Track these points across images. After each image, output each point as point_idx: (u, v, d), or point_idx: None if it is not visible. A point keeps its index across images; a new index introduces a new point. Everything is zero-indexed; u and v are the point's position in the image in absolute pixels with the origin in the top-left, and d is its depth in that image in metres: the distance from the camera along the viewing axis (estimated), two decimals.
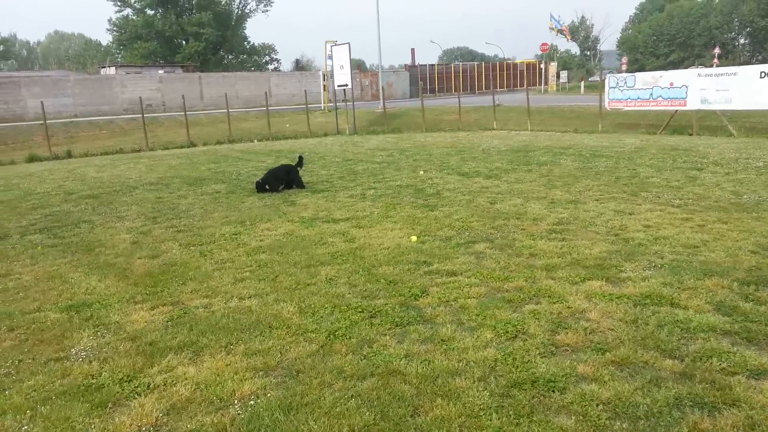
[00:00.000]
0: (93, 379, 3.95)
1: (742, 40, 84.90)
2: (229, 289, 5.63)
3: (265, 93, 31.90)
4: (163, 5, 61.26)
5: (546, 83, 52.45)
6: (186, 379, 3.88)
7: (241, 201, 10.17)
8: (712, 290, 4.95)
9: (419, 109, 27.40)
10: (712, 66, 37.54)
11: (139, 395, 3.70)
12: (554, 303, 4.84)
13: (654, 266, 5.65)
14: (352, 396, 3.56)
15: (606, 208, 8.23)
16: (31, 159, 20.60)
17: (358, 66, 59.92)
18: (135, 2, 61.70)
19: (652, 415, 3.21)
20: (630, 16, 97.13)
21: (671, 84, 19.37)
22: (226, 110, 26.70)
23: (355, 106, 27.30)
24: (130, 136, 25.90)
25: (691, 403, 3.31)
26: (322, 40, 58.79)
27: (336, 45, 27.49)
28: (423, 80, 49.32)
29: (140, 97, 27.30)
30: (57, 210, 10.21)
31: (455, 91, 49.25)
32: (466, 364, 3.88)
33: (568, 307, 4.74)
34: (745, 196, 8.65)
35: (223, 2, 65.45)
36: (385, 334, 4.43)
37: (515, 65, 65.30)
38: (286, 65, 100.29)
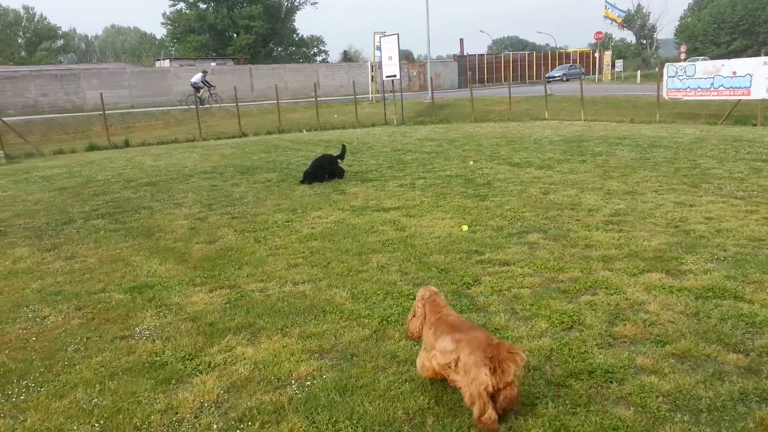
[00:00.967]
0: (157, 356, 4.12)
1: None
2: (283, 274, 5.75)
3: (314, 84, 32.19)
4: None
5: (600, 72, 50.98)
6: (245, 358, 4.00)
7: (292, 189, 10.34)
8: None
9: (468, 99, 27.12)
10: None
11: (201, 373, 3.84)
12: (611, 294, 4.75)
13: (716, 259, 5.45)
14: (406, 380, 3.59)
15: (665, 200, 7.98)
16: (91, 148, 21.45)
17: (405, 57, 59.69)
18: None
19: (715, 409, 3.12)
20: (689, 3, 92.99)
21: (734, 73, 18.51)
22: (275, 101, 27.11)
23: (403, 96, 27.24)
24: (184, 126, 26.60)
25: (757, 399, 3.20)
26: (369, 31, 58.77)
27: (384, 36, 27.45)
28: (472, 70, 48.74)
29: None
30: (117, 196, 10.63)
31: (505, 81, 48.49)
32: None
33: (626, 299, 4.63)
34: None
35: None
36: None
37: (567, 54, 63.72)
38: (334, 57, 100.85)
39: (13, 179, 13.82)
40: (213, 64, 47.21)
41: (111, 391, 3.67)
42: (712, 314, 4.27)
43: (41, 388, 3.77)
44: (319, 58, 74.16)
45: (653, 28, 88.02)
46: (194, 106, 25.81)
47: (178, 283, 5.68)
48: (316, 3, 71.72)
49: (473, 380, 2.98)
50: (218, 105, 30.94)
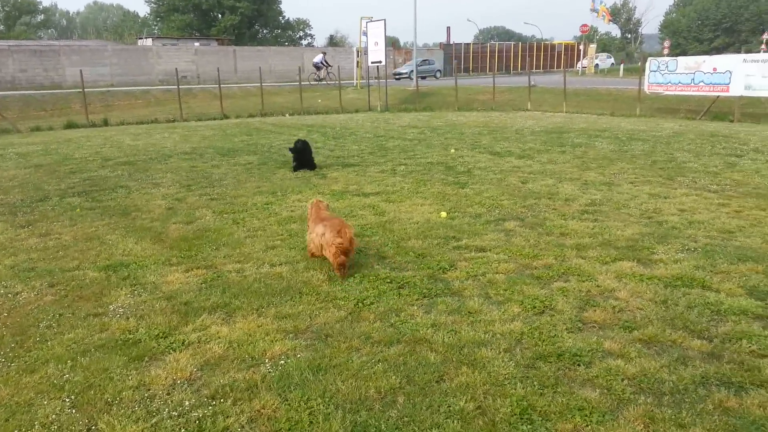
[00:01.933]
0: (130, 334, 4.10)
1: None
2: (260, 256, 5.75)
3: (299, 68, 31.94)
4: None
5: (584, 65, 51.27)
6: (219, 337, 4.01)
7: (272, 173, 10.29)
8: (745, 275, 4.88)
9: (452, 87, 27.14)
10: (759, 52, 36.18)
11: (174, 351, 3.84)
12: (583, 281, 4.83)
13: (687, 249, 5.57)
14: (379, 360, 3.64)
15: (640, 191, 8.11)
16: (69, 125, 21.07)
17: (392, 43, 59.42)
18: None
19: (677, 392, 3.22)
20: None
21: (714, 69, 18.78)
22: (259, 84, 26.87)
23: (388, 83, 27.16)
24: (165, 106, 26.27)
25: (717, 383, 3.30)
26: (356, 16, 58.29)
27: (371, 21, 27.27)
28: (457, 59, 48.67)
29: (176, 69, 27.60)
30: (94, 175, 10.48)
31: (490, 70, 48.54)
32: (492, 336, 3.92)
33: (598, 286, 4.73)
34: None
35: None
36: (413, 305, 4.49)
37: (553, 46, 63.93)
38: (320, 41, 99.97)
39: None
40: (197, 44, 46.51)
41: (83, 367, 3.65)
42: (680, 302, 4.38)
43: (12, 363, 3.74)
44: (304, 42, 73.55)
45: (638, 23, 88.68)
46: (315, 83, 27.32)
47: (153, 262, 5.65)
48: None
49: (331, 242, 5.04)
50: (334, 83, 32.72)
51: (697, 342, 3.76)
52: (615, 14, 78.80)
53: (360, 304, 4.51)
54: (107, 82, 36.16)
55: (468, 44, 59.09)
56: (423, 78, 40.62)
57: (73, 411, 3.19)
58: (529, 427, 2.94)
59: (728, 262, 5.17)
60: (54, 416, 3.14)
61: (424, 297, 4.64)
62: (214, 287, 4.94)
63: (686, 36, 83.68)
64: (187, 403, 3.24)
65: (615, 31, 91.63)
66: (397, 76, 42.15)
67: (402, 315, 4.31)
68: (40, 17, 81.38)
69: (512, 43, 66.40)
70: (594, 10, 52.39)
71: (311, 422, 3.03)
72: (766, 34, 50.99)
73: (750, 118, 18.32)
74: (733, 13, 79.11)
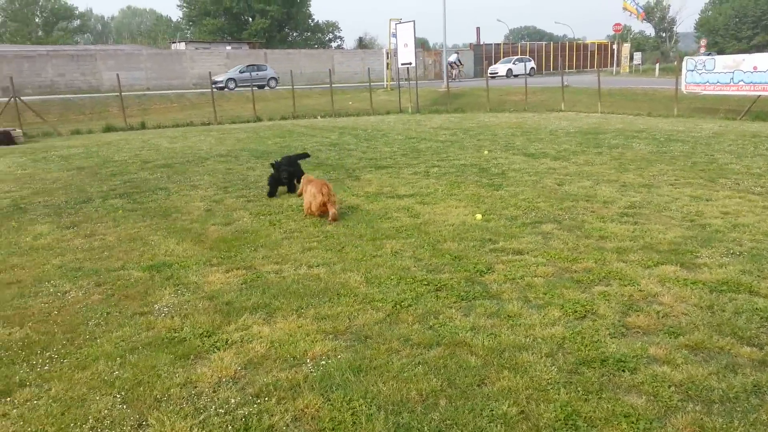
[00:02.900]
0: (175, 332, 4.20)
1: None
2: (298, 257, 5.82)
3: (329, 70, 32.18)
4: None
5: (618, 65, 50.41)
6: (261, 337, 4.07)
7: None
8: None
9: (484, 89, 26.98)
10: None
11: (219, 349, 3.92)
12: (625, 285, 4.77)
13: (732, 253, 5.44)
14: (419, 363, 3.65)
15: (681, 194, 7.95)
16: (108, 129, 21.64)
17: (421, 45, 59.37)
18: None
19: (727, 400, 3.15)
20: None
21: (755, 68, 18.26)
22: (290, 86, 27.15)
23: (418, 84, 27.15)
24: (200, 109, 26.73)
25: None
26: (385, 18, 58.38)
27: (400, 23, 27.30)
28: (488, 59, 48.36)
29: (209, 72, 28.11)
30: (134, 177, 10.75)
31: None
32: (533, 340, 3.90)
33: (640, 291, 4.65)
34: None
35: None
36: (451, 307, 4.49)
37: (585, 45, 63.01)
38: (350, 43, 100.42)
39: (32, 158, 14.01)
40: (228, 47, 47.24)
41: (131, 364, 3.76)
42: (727, 308, 4.28)
43: (64, 359, 3.87)
44: (334, 44, 74.03)
45: (673, 22, 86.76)
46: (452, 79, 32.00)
47: (195, 262, 5.77)
48: None
49: (314, 196, 7.17)
50: (463, 81, 37.57)
51: (747, 349, 3.67)
52: (648, 13, 77.21)
53: (398, 306, 4.53)
54: (143, 86, 37.00)
55: (498, 44, 58.67)
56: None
57: (124, 407, 3.28)
58: None
59: None
60: (106, 411, 3.24)
61: (462, 300, 4.64)
62: (254, 288, 5.03)
63: (723, 34, 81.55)
64: (232, 401, 3.30)
65: (649, 30, 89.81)
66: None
67: (440, 317, 4.32)
68: (77, 22, 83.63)
69: (543, 42, 65.65)
70: (626, 9, 51.45)
71: (354, 422, 3.06)
72: None
73: None
74: None
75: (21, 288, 5.22)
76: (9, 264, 5.90)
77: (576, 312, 4.30)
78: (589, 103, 23.74)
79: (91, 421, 3.16)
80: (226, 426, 3.07)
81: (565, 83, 26.22)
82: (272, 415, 3.15)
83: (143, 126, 22.30)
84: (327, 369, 3.61)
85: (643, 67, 52.19)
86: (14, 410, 3.28)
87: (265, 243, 6.35)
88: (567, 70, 46.48)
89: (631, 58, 52.07)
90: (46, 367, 3.76)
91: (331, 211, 7.12)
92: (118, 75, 25.46)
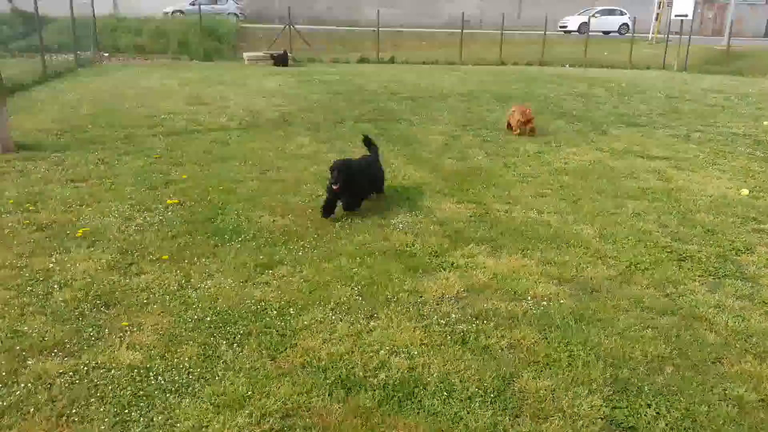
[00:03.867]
0: (407, 247, 4.54)
1: None
2: (529, 201, 5.77)
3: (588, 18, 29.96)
4: None
5: None
6: (485, 267, 4.19)
7: (547, 123, 10.05)
8: None
9: None
10: None
11: (444, 269, 4.15)
12: None
13: None
14: (648, 326, 3.44)
15: None
16: (362, 60, 23.35)
17: None
18: None
19: None
20: None
21: None
22: (543, 32, 26.07)
23: (691, 40, 23.95)
24: (447, 49, 27.21)
25: None
26: None
27: None
28: None
29: (462, 13, 28.26)
30: (382, 106, 11.52)
31: None
32: None
33: None
34: None
35: None
36: (695, 280, 4.09)
37: None
38: None
39: (299, 79, 15.83)
40: None
41: (368, 265, 4.18)
42: None
43: (314, 250, 4.45)
44: None
45: None
46: None
47: (429, 190, 6.07)
48: None
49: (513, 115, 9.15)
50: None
51: None
52: None
53: (632, 267, 4.27)
54: (398, 23, 38.79)
55: None
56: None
57: (360, 299, 3.70)
58: None
59: None
60: (345, 299, 3.69)
61: (710, 275, 4.18)
62: (483, 222, 5.14)
63: None
64: (453, 316, 3.50)
65: None
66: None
67: (680, 288, 3.97)
68: None
69: None
70: None
71: (570, 364, 3.03)
72: None
73: None
74: None
75: (284, 186, 6.06)
76: (276, 165, 6.86)
77: None
78: None
79: (332, 303, 3.62)
80: (446, 336, 3.28)
81: None
82: (488, 337, 3.27)
83: (392, 60, 23.58)
84: (547, 310, 3.60)
85: None
86: (274, 281, 3.91)
87: (498, 183, 6.39)
88: None
89: None
90: (299, 253, 4.37)
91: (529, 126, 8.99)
92: (378, 11, 27.01)
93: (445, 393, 2.76)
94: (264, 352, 3.06)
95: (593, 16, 35.09)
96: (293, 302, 3.60)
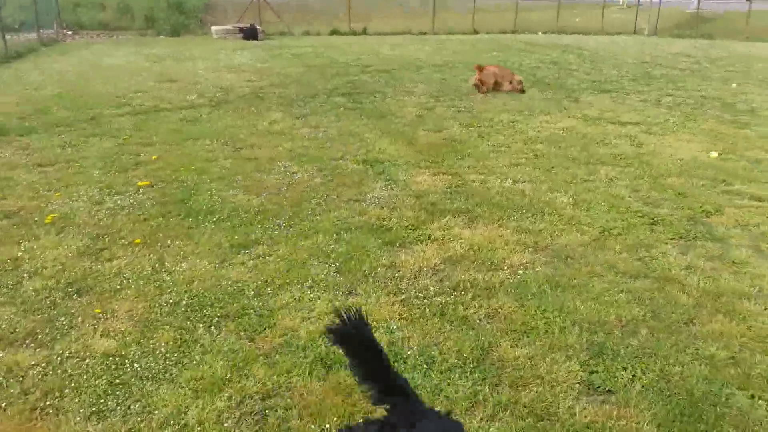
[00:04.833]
0: (384, 221, 4.53)
1: None
2: (503, 171, 5.78)
3: None
4: None
5: None
6: (462, 239, 4.21)
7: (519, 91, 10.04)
8: None
9: (744, 13, 22.99)
10: None
11: (421, 242, 4.16)
12: None
13: None
14: (622, 290, 3.50)
15: None
16: (333, 32, 22.95)
17: None
18: None
19: None
20: None
21: None
22: None
23: (662, 3, 24.00)
24: (419, 18, 26.88)
25: None
26: None
27: None
28: None
29: None
30: (355, 79, 11.37)
31: None
32: (759, 291, 3.49)
33: None
34: None
35: None
36: (667, 243, 4.17)
37: None
38: None
39: (269, 53, 15.50)
40: None
41: (345, 241, 4.16)
42: None
43: (290, 228, 4.42)
44: None
45: None
46: None
47: (405, 162, 6.05)
48: None
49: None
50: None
51: None
52: None
53: (606, 233, 4.33)
54: None
55: None
56: None
57: (338, 275, 3.69)
58: None
59: None
60: (323, 276, 3.67)
61: (681, 238, 4.26)
62: (458, 193, 5.15)
63: None
64: (431, 288, 3.52)
65: None
66: None
67: (652, 251, 4.04)
68: None
69: None
70: None
71: (547, 331, 3.08)
72: None
73: None
74: None
75: (258, 164, 5.98)
76: (249, 143, 6.75)
77: None
78: None
79: (309, 281, 3.61)
80: (424, 309, 3.29)
81: None
82: (467, 308, 3.30)
83: (365, 32, 23.22)
84: (524, 278, 3.63)
85: None
86: (250, 261, 3.87)
87: (472, 153, 6.39)
88: None
89: None
90: (275, 232, 4.33)
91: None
92: None
93: (425, 365, 2.78)
94: (242, 333, 3.05)
95: None
96: (270, 282, 3.58)
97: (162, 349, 2.91)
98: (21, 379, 2.70)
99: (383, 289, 3.51)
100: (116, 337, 3.01)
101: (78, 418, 2.48)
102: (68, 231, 4.29)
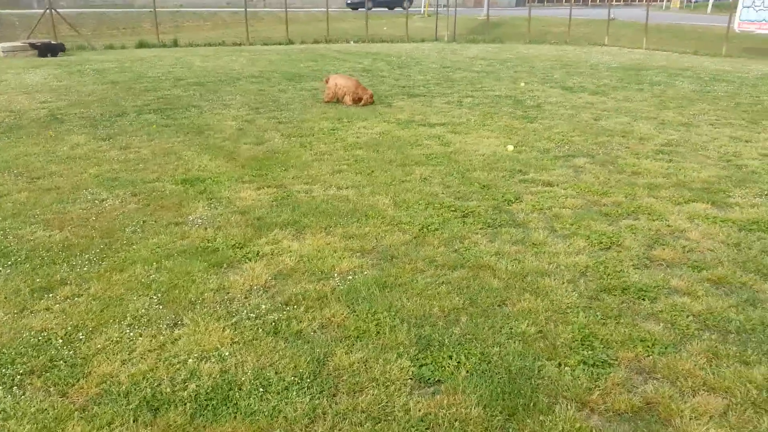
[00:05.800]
0: (209, 243, 4.36)
1: None
2: (327, 179, 5.89)
3: None
4: None
5: None
6: (291, 251, 4.21)
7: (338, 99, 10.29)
8: None
9: (525, 18, 25.94)
10: None
11: (250, 260, 4.07)
12: (653, 220, 4.75)
13: (766, 194, 5.34)
14: (443, 282, 3.75)
15: (721, 134, 7.72)
16: (141, 45, 21.52)
17: None
18: None
19: (744, 331, 3.20)
20: None
21: None
22: (325, 9, 26.44)
23: (457, 12, 26.18)
24: (232, 29, 26.30)
25: None
26: None
27: None
28: None
29: None
30: (167, 94, 10.79)
31: (566, 1, 45.88)
32: (557, 267, 3.96)
33: (668, 226, 4.64)
34: None
35: None
36: (477, 233, 4.55)
37: None
38: None
39: (67, 70, 14.10)
40: None
41: (167, 269, 3.93)
42: (754, 246, 4.26)
43: (102, 262, 4.06)
44: None
45: None
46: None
47: (227, 179, 5.88)
48: None
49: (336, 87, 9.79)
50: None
51: None
52: None
53: (425, 230, 4.61)
54: (176, 3, 36.38)
55: None
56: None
57: (161, 307, 3.47)
58: (590, 352, 3.01)
59: None
60: (143, 310, 3.43)
61: (489, 226, 4.68)
62: (285, 205, 5.14)
63: None
64: (263, 307, 3.47)
65: None
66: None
67: (466, 242, 4.39)
68: None
69: None
70: None
71: (378, 332, 3.20)
72: None
73: None
74: None
75: (60, 194, 5.41)
76: (48, 171, 6.09)
77: (601, 243, 4.32)
78: (634, 38, 22.70)
79: (128, 318, 3.35)
80: (257, 329, 3.23)
81: (612, 16, 25.02)
82: (300, 322, 3.30)
83: (176, 43, 22.12)
84: (353, 284, 3.73)
85: (695, 3, 49.31)
86: (56, 305, 3.48)
87: (296, 164, 6.41)
88: (614, 2, 44.14)
89: None
90: (85, 268, 3.95)
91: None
92: None
93: (261, 389, 2.73)
94: (52, 389, 2.73)
95: None
96: (82, 325, 3.26)
97: None
98: None
99: (212, 314, 3.38)
100: None
101: None
102: None
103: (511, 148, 6.96)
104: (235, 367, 2.89)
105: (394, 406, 2.64)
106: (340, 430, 2.50)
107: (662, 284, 3.70)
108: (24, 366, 2.89)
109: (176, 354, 2.99)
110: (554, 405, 2.65)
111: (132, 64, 15.50)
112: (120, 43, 21.55)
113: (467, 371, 2.89)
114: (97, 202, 5.22)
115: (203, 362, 2.93)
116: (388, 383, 2.79)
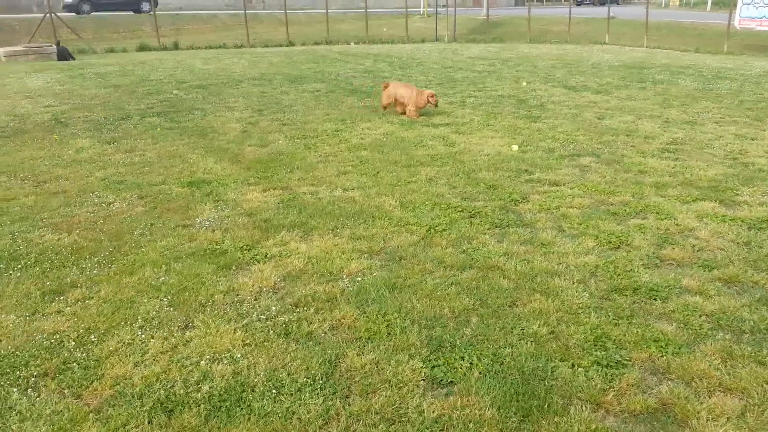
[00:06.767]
0: (217, 245, 4.36)
1: None
2: (333, 180, 5.89)
3: None
4: None
5: None
6: (299, 253, 4.20)
7: (340, 101, 10.31)
8: None
9: (525, 18, 25.93)
10: None
11: (258, 262, 4.07)
12: (662, 219, 4.74)
13: None
14: (452, 283, 3.75)
15: (726, 131, 7.71)
16: (142, 48, 21.55)
17: None
18: None
19: (758, 331, 3.19)
20: None
21: None
22: (324, 10, 26.45)
23: (457, 12, 26.18)
24: (232, 31, 26.32)
25: None
26: None
27: None
28: None
29: None
30: (171, 96, 10.80)
31: (566, 0, 45.90)
32: (566, 267, 3.95)
33: (677, 225, 4.63)
34: None
35: None
36: (485, 233, 4.55)
37: None
38: None
39: (69, 74, 14.13)
40: None
41: (176, 271, 3.93)
42: (765, 245, 4.25)
43: (112, 264, 4.06)
44: None
45: None
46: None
47: (233, 181, 5.88)
48: None
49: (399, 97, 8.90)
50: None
51: None
52: None
53: (432, 231, 4.60)
54: (176, 6, 36.40)
55: None
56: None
57: (171, 309, 3.47)
58: (603, 353, 3.00)
59: None
60: (154, 312, 3.43)
61: (496, 227, 4.68)
62: (291, 207, 5.13)
63: None
64: (273, 308, 3.46)
65: None
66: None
67: (474, 243, 4.38)
68: None
69: None
70: None
71: (389, 333, 3.19)
72: None
73: None
74: None
75: (67, 198, 5.42)
76: (54, 175, 6.10)
77: (610, 242, 4.31)
78: (635, 37, 22.69)
79: (140, 320, 3.35)
80: (268, 331, 3.23)
81: (611, 15, 25.02)
82: (311, 323, 3.30)
83: (176, 46, 22.15)
84: (362, 285, 3.73)
85: (695, 0, 49.30)
86: (67, 308, 3.49)
87: (301, 165, 6.41)
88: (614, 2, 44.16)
89: None
90: (95, 271, 3.96)
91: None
92: None
93: (274, 390, 2.73)
94: (66, 391, 2.73)
95: None
96: (93, 328, 3.26)
97: None
98: None
99: (223, 316, 3.38)
100: None
101: None
102: None
103: (515, 147, 6.95)
104: (248, 369, 2.89)
105: (408, 408, 2.63)
106: (354, 431, 2.50)
107: (673, 284, 3.69)
108: (38, 368, 2.89)
109: (188, 356, 2.99)
110: (569, 406, 2.64)
111: (134, 67, 15.52)
112: (121, 47, 21.57)
113: (480, 372, 2.88)
114: (104, 205, 5.22)
115: (215, 364, 2.92)
116: (401, 384, 2.79)
